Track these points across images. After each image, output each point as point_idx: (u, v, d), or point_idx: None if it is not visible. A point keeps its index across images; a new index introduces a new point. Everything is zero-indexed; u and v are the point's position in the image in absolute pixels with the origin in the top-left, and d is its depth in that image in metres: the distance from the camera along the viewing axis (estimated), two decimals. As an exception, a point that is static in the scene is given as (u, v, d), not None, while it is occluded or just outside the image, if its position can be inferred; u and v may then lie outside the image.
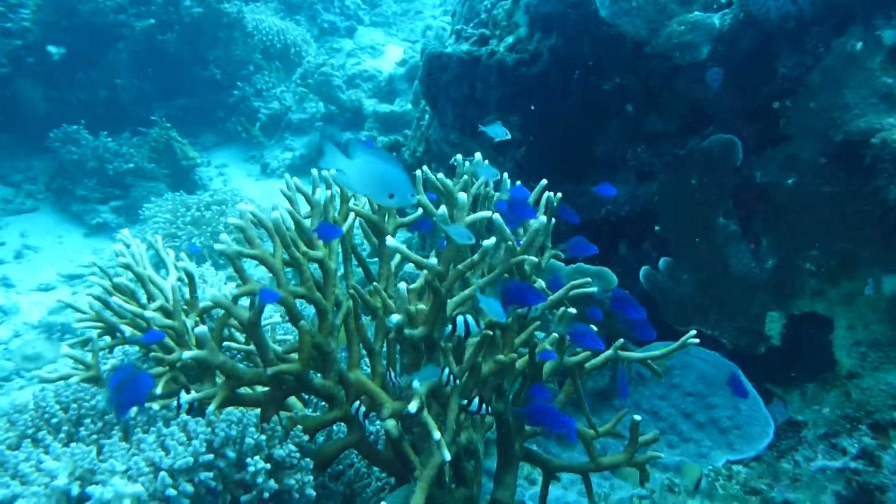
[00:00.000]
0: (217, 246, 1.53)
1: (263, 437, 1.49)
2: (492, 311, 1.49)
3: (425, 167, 1.89)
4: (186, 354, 1.46)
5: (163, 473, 1.35)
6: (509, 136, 2.57)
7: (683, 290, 2.84)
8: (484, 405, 1.63)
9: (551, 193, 1.99)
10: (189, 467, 1.38)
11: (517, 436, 1.82)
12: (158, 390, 1.60)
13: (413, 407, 1.43)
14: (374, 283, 1.69)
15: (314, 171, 1.80)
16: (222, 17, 6.76)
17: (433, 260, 1.55)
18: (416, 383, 1.45)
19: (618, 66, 2.75)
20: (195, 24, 6.57)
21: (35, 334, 4.45)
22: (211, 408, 1.48)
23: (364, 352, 1.78)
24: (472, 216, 1.58)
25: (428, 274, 1.55)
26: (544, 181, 2.01)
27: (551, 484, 1.94)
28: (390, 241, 1.53)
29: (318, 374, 1.67)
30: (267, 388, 1.62)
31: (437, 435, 1.45)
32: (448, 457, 1.45)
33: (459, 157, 1.92)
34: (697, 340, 1.97)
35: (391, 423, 1.54)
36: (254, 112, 7.05)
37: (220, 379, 1.68)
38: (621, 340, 1.89)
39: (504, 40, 3.11)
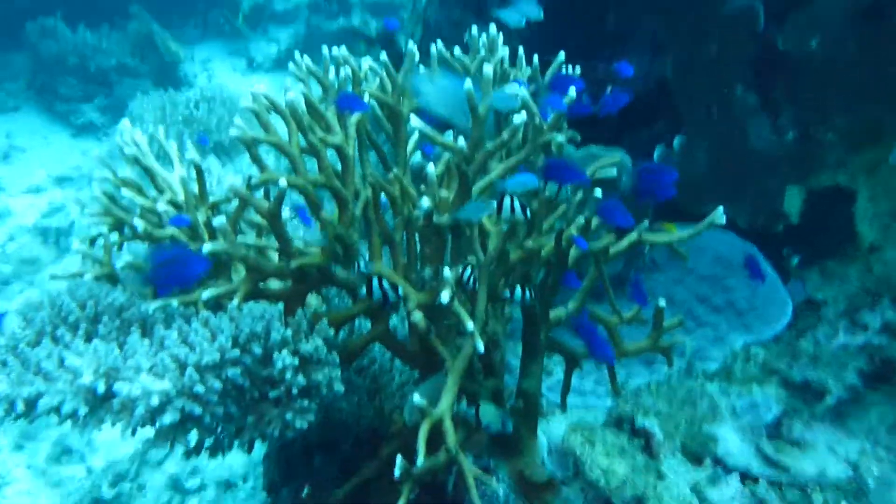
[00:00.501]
0: (232, 131, 1.43)
1: (289, 331, 1.43)
2: (526, 182, 1.41)
3: (439, 41, 1.76)
4: (207, 247, 1.38)
5: (190, 369, 1.30)
6: (523, 23, 2.41)
7: (698, 170, 2.75)
8: (527, 292, 1.57)
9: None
10: (216, 363, 1.33)
11: (542, 325, 1.78)
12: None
13: (445, 297, 1.37)
14: (394, 171, 1.59)
15: (325, 51, 1.67)
16: None
17: (461, 141, 1.46)
18: (446, 271, 1.39)
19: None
20: None
21: (30, 238, 4.37)
22: (234, 303, 1.42)
23: (385, 243, 1.70)
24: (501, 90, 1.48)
25: (455, 156, 1.46)
26: (562, 54, 1.88)
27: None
28: (415, 121, 1.43)
29: (340, 267, 1.60)
30: (289, 282, 1.55)
31: (470, 325, 1.40)
32: (482, 348, 1.40)
33: (475, 28, 1.79)
34: (724, 220, 1.90)
35: (418, 316, 1.48)
36: (235, 2, 6.73)
37: (236, 275, 1.62)
38: (646, 222, 1.80)
39: None
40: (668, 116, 2.81)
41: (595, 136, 2.62)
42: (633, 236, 1.79)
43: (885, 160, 2.57)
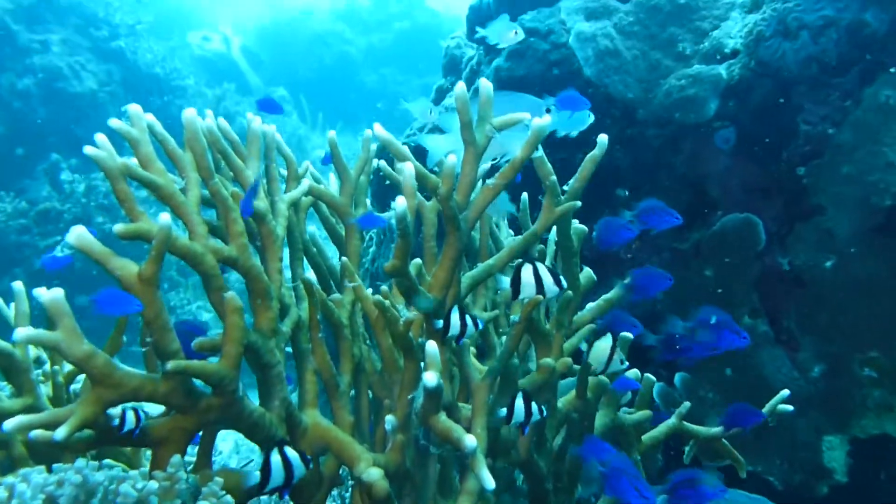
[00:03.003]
0: (88, 150, 0.85)
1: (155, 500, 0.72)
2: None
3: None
4: (20, 335, 0.73)
5: None
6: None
7: (708, 413, 2.17)
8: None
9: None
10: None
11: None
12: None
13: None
14: (349, 284, 1.01)
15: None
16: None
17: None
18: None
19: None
20: None
21: None
22: (60, 434, 0.72)
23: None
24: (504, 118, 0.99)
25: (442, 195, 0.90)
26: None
27: None
28: (378, 129, 0.90)
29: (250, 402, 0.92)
30: (164, 411, 0.87)
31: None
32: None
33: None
34: (791, 408, 1.46)
35: (376, 474, 0.79)
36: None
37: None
38: (687, 404, 1.37)
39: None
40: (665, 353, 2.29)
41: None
42: (671, 422, 1.31)
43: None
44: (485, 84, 1.01)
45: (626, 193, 2.35)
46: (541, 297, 1.01)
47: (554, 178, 1.12)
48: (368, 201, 1.28)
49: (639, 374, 1.36)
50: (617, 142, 2.31)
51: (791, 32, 2.03)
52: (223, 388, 0.87)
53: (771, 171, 2.16)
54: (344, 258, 1.10)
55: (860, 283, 2.09)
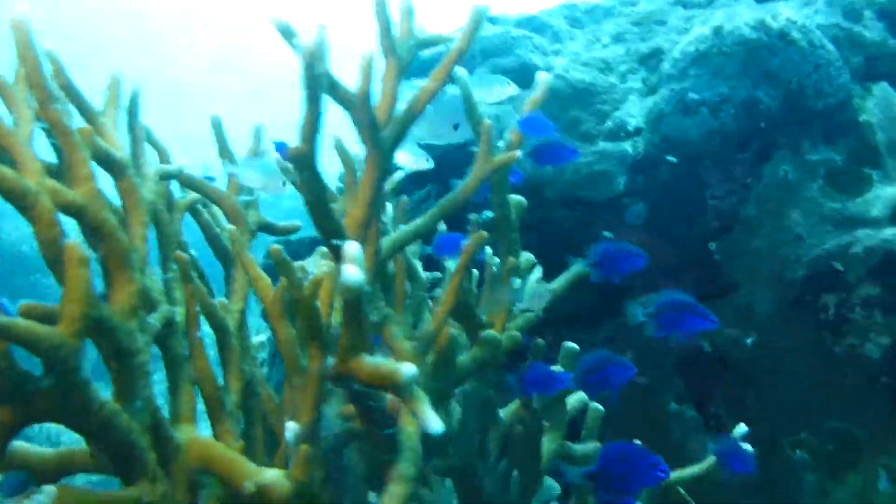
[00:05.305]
0: None
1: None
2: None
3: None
4: None
5: None
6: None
7: (643, 513, 1.97)
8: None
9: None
10: None
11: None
12: None
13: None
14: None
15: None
16: None
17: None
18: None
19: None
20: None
21: None
22: None
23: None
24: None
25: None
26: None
27: None
28: None
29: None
30: None
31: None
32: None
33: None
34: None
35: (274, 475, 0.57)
36: None
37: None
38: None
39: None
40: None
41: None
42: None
43: (875, 487, 1.95)
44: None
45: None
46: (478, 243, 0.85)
47: (489, 122, 0.97)
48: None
49: (585, 398, 1.19)
50: (524, 227, 2.22)
51: (691, 109, 2.04)
52: (61, 363, 0.62)
53: (683, 248, 2.11)
54: (232, 226, 0.90)
55: (782, 360, 2.00)
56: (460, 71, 0.94)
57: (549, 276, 2.22)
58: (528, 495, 1.09)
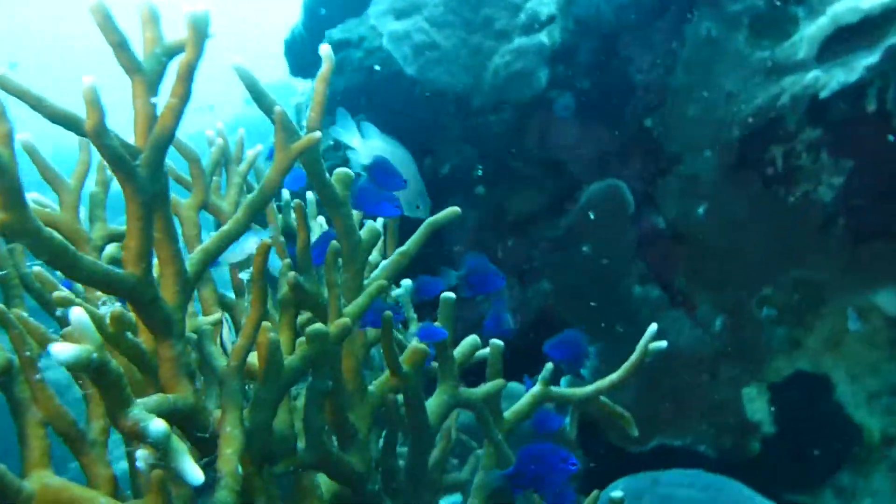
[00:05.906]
0: None
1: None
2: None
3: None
4: None
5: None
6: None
7: (626, 398, 2.01)
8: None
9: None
10: None
11: None
12: None
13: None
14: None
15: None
16: None
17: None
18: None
19: (449, 135, 2.15)
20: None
21: None
22: None
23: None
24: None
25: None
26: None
27: None
28: None
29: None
30: None
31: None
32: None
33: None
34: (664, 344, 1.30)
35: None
36: None
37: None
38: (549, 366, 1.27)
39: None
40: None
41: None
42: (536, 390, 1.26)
43: (845, 328, 1.96)
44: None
45: (483, 191, 2.21)
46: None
47: (280, 108, 0.93)
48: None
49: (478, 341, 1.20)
50: (462, 139, 2.18)
51: (600, -15, 1.95)
52: None
53: (620, 130, 2.06)
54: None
55: (734, 223, 1.99)
56: (237, 60, 0.88)
57: (490, 185, 2.20)
58: (422, 456, 1.10)
